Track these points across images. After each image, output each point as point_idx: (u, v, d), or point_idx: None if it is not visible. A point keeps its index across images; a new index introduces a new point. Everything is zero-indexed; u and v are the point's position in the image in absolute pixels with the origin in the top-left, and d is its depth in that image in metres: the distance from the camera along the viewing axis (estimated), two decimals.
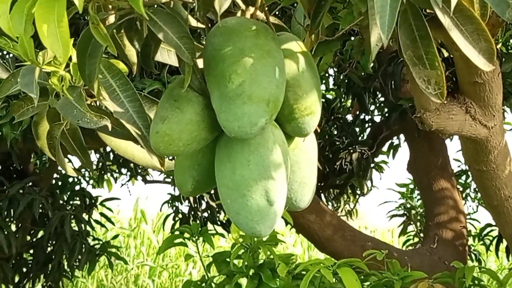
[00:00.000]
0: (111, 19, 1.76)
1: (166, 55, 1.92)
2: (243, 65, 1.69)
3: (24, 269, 7.41)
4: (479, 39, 1.69)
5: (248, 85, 1.68)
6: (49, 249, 7.12)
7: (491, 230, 7.61)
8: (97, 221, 7.36)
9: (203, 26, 1.84)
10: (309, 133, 1.90)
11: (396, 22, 1.50)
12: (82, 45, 1.72)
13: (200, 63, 1.78)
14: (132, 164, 7.63)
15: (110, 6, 1.71)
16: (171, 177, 7.87)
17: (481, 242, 7.78)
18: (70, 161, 6.99)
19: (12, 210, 6.35)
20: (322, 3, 1.79)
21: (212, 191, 7.43)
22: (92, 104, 1.96)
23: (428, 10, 1.78)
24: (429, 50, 1.72)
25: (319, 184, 7.62)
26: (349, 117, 7.57)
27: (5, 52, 5.53)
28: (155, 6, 1.69)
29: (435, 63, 1.72)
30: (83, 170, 7.69)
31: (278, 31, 1.90)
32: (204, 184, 1.93)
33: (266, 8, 1.90)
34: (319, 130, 1.99)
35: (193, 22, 1.83)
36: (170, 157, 2.01)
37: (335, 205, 8.27)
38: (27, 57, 1.63)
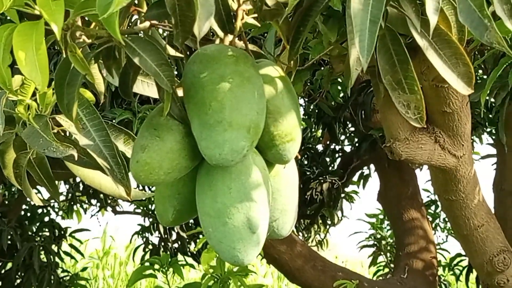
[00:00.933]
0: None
1: (142, 86, 1.92)
2: (223, 92, 1.69)
3: None
4: (457, 63, 1.71)
5: (229, 112, 1.69)
6: (18, 281, 7.08)
7: (461, 260, 7.66)
8: (66, 253, 7.34)
9: (182, 55, 1.83)
10: (289, 160, 1.90)
11: (375, 47, 1.50)
12: (60, 74, 1.73)
13: (179, 91, 1.78)
14: (102, 195, 7.62)
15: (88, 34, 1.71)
16: (141, 207, 7.86)
17: (451, 272, 7.82)
18: (39, 191, 6.96)
19: None
20: (301, 29, 1.81)
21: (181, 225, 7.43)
22: (59, 133, 1.95)
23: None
24: (408, 74, 1.73)
25: None
26: (320, 147, 7.61)
27: None
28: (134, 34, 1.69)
29: (414, 87, 1.74)
30: (52, 201, 7.66)
31: (256, 57, 1.91)
32: (185, 213, 1.92)
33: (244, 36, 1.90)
34: (299, 157, 1.99)
35: (172, 51, 1.83)
36: (151, 186, 2.00)
37: (306, 235, 8.28)
38: (5, 87, 1.62)
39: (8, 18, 1.66)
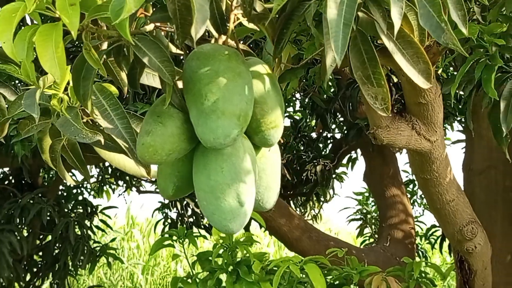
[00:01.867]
0: (104, 46, 1.75)
1: (151, 79, 1.91)
2: (217, 85, 1.70)
3: (34, 269, 7.37)
4: (418, 61, 1.70)
5: (222, 102, 1.69)
6: (56, 251, 7.09)
7: (435, 231, 7.65)
8: (97, 227, 7.33)
9: (182, 52, 1.83)
10: (274, 143, 1.91)
11: (348, 46, 1.50)
12: (76, 69, 1.72)
13: (179, 83, 1.77)
14: (127, 177, 7.61)
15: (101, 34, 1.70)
16: None
17: (427, 241, 7.81)
18: (73, 174, 6.96)
19: (23, 218, 6.32)
20: (284, 31, 1.81)
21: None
22: (88, 121, 1.94)
23: (379, 41, 1.79)
24: (376, 70, 1.72)
25: (288, 192, 7.66)
26: (314, 135, 7.58)
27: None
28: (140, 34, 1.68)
29: (381, 81, 1.72)
30: (85, 182, 7.67)
31: (246, 55, 1.91)
32: (183, 189, 1.93)
33: (236, 37, 1.90)
34: (282, 141, 1.99)
35: (173, 49, 1.82)
36: (154, 165, 2.00)
37: (302, 211, 8.27)
38: (29, 79, 1.62)
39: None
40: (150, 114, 1.81)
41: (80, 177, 7.38)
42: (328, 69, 1.59)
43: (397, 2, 1.52)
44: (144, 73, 1.89)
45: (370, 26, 1.69)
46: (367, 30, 1.71)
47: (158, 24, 1.74)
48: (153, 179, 7.79)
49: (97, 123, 1.92)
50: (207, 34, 1.83)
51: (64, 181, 7.00)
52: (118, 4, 1.39)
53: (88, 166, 7.34)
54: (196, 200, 7.33)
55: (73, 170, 5.31)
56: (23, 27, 1.59)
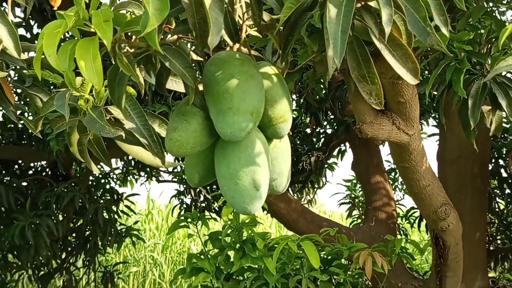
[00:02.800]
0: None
1: (174, 84, 1.91)
2: (232, 86, 1.71)
3: (69, 248, 7.39)
4: (407, 61, 1.71)
5: (237, 101, 1.70)
6: (87, 233, 7.12)
7: (414, 212, 7.66)
8: (122, 211, 7.35)
9: (202, 59, 1.83)
10: (283, 136, 1.92)
11: (345, 50, 1.51)
12: (111, 76, 1.74)
13: (200, 86, 1.78)
14: (148, 168, 7.62)
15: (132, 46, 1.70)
16: (177, 177, 7.87)
17: (407, 221, 7.82)
18: (102, 167, 6.97)
19: (59, 204, 6.34)
20: (289, 39, 1.81)
21: (208, 187, 7.44)
22: (110, 119, 1.95)
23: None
24: (370, 70, 1.73)
25: None
26: (308, 130, 7.58)
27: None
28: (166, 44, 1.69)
29: (375, 80, 1.73)
30: (112, 173, 7.68)
31: (257, 60, 1.92)
32: (206, 177, 1.93)
33: (247, 44, 1.90)
34: (290, 134, 1.99)
35: (194, 56, 1.82)
36: (169, 157, 2.00)
37: (299, 196, 8.28)
38: (71, 86, 1.64)
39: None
40: (176, 113, 1.81)
41: (107, 168, 7.41)
42: (330, 70, 1.61)
43: (387, 10, 1.52)
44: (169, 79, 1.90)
45: (364, 31, 1.70)
46: (361, 35, 1.71)
47: (180, 35, 1.74)
48: (169, 169, 7.82)
49: (118, 120, 1.92)
50: (223, 42, 1.84)
51: (94, 172, 7.02)
52: (147, 19, 1.41)
53: (114, 159, 7.37)
54: (208, 188, 7.38)
55: (102, 163, 5.34)
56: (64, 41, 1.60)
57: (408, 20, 1.58)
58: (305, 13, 1.74)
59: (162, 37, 1.74)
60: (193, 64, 1.72)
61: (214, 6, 1.53)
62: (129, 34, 1.64)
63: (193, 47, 1.79)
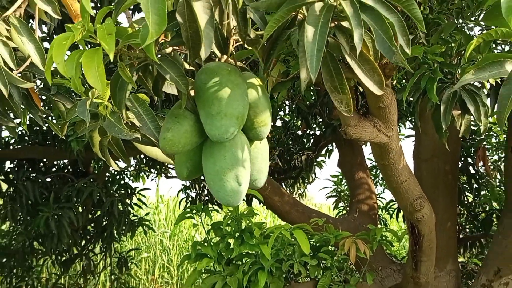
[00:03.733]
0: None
1: (170, 88, 1.92)
2: (220, 93, 1.71)
3: (88, 237, 7.38)
4: (373, 74, 1.70)
5: (224, 107, 1.70)
6: (104, 223, 7.11)
7: (393, 204, 7.66)
8: (135, 204, 7.33)
9: (193, 68, 1.84)
10: (264, 138, 1.92)
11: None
12: (113, 83, 1.73)
13: (192, 92, 1.78)
14: (158, 166, 7.61)
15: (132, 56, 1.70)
16: None
17: (386, 212, 7.82)
18: (117, 164, 6.96)
19: (79, 198, 6.33)
20: (271, 53, 1.81)
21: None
22: (127, 123, 1.95)
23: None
24: (341, 82, 1.73)
25: (280, 176, 7.67)
26: (299, 132, 7.57)
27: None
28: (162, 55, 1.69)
29: (345, 90, 1.73)
30: (126, 170, 7.67)
31: (242, 71, 1.92)
32: (194, 172, 1.93)
33: (234, 56, 1.90)
34: (270, 136, 1.99)
35: (187, 66, 1.83)
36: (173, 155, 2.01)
37: (291, 190, 8.27)
38: (77, 90, 1.63)
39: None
40: (169, 116, 1.82)
41: (122, 166, 7.41)
42: (303, 83, 1.60)
43: (358, 30, 1.52)
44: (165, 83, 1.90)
45: (336, 47, 1.70)
46: (334, 51, 1.71)
47: (175, 47, 1.74)
48: None
49: (134, 124, 1.93)
50: (212, 54, 1.84)
51: (110, 168, 7.02)
52: (145, 33, 1.41)
53: (131, 158, 7.37)
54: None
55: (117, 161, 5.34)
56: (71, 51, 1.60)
57: (376, 40, 1.58)
58: (285, 30, 1.74)
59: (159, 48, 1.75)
60: (186, 73, 1.73)
61: (206, 22, 1.52)
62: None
63: (186, 58, 1.80)
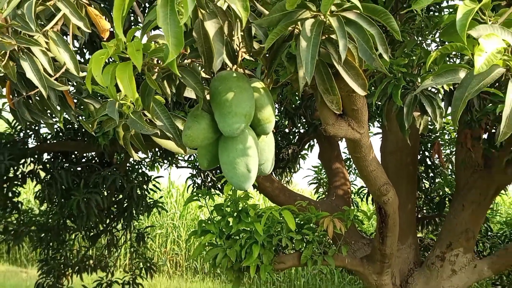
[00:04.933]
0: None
1: (190, 93, 1.92)
2: (231, 96, 1.72)
3: (111, 216, 7.37)
4: (358, 78, 1.71)
5: (234, 107, 1.71)
6: (125, 204, 7.09)
7: (363, 190, 7.68)
8: (150, 189, 7.32)
9: (209, 76, 1.84)
10: (269, 132, 1.92)
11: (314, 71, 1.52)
12: (142, 89, 1.74)
13: (207, 96, 1.78)
14: (170, 157, 7.59)
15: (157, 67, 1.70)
16: (191, 164, 7.86)
17: (358, 196, 7.84)
18: (138, 156, 6.93)
19: (104, 184, 6.31)
20: (273, 62, 1.82)
21: (213, 171, 7.43)
22: (147, 120, 1.95)
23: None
24: (332, 85, 1.74)
25: None
26: (287, 130, 7.58)
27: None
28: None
29: (335, 92, 1.74)
30: (143, 161, 7.65)
31: (250, 77, 1.92)
32: (213, 163, 1.93)
33: (243, 65, 1.90)
34: (274, 131, 1.99)
35: (203, 75, 1.83)
36: (194, 148, 2.01)
37: (280, 178, 8.28)
38: (113, 96, 1.64)
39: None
40: (190, 116, 1.82)
41: (140, 157, 7.39)
42: (301, 85, 1.61)
43: (342, 41, 1.53)
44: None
45: (327, 56, 1.70)
46: (325, 59, 1.72)
47: (193, 59, 1.74)
48: (185, 158, 7.80)
49: (152, 121, 1.93)
50: (224, 64, 1.84)
51: (130, 159, 7.00)
52: (167, 53, 1.42)
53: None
54: (213, 172, 7.37)
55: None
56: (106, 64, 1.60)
57: (359, 49, 1.59)
58: (284, 43, 1.75)
59: (180, 60, 1.75)
60: (202, 81, 1.73)
61: (217, 39, 1.54)
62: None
63: (202, 68, 1.80)
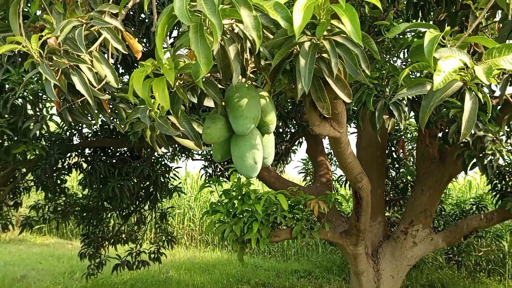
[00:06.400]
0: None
1: (208, 102, 1.92)
2: (242, 103, 1.72)
3: (140, 199, 7.35)
4: (344, 89, 1.71)
5: (245, 111, 1.71)
6: (151, 189, 7.08)
7: (342, 178, 7.69)
8: (171, 177, 7.32)
9: (224, 87, 1.85)
10: (271, 132, 1.92)
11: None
12: (172, 99, 1.73)
13: (223, 102, 1.79)
14: (186, 152, 7.57)
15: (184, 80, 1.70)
16: (204, 158, 7.86)
17: (338, 183, 7.85)
18: (161, 151, 6.90)
19: (134, 173, 6.31)
20: (276, 76, 1.81)
21: (222, 163, 7.42)
22: (171, 123, 1.95)
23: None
24: (323, 94, 1.74)
25: None
26: (280, 130, 7.58)
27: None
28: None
29: (326, 99, 1.74)
30: (165, 154, 7.63)
31: (256, 88, 1.92)
32: (225, 156, 1.92)
33: (251, 78, 1.90)
34: (275, 131, 1.99)
35: (220, 86, 1.84)
36: (210, 144, 2.00)
37: (275, 168, 8.27)
38: (150, 105, 1.65)
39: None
40: (209, 118, 1.82)
41: (163, 151, 7.37)
42: (299, 93, 1.61)
43: (334, 59, 1.54)
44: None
45: (319, 71, 1.71)
46: (318, 74, 1.72)
47: (212, 73, 1.75)
48: (199, 153, 7.78)
49: (174, 124, 1.93)
50: None
51: (155, 153, 6.99)
52: (196, 68, 1.43)
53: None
54: (222, 164, 7.37)
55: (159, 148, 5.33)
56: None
57: (346, 65, 1.60)
58: (285, 60, 1.76)
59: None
60: (221, 90, 1.73)
61: (236, 60, 1.54)
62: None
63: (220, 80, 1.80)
